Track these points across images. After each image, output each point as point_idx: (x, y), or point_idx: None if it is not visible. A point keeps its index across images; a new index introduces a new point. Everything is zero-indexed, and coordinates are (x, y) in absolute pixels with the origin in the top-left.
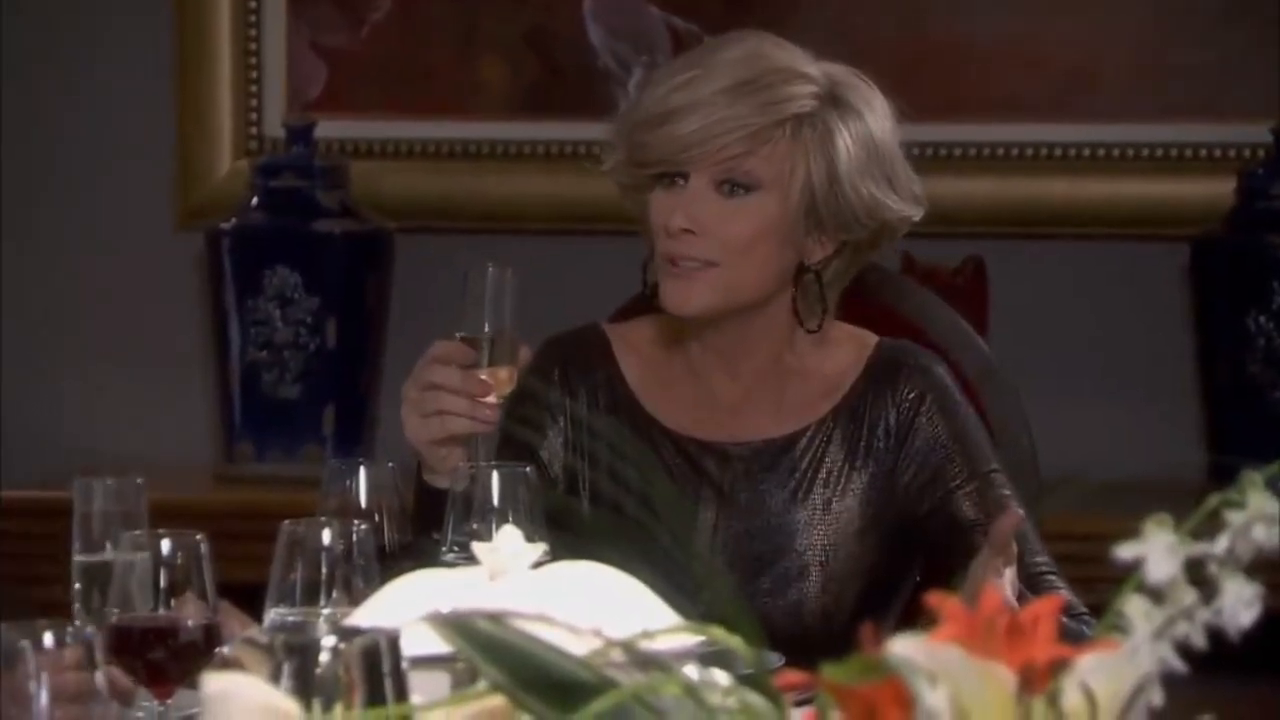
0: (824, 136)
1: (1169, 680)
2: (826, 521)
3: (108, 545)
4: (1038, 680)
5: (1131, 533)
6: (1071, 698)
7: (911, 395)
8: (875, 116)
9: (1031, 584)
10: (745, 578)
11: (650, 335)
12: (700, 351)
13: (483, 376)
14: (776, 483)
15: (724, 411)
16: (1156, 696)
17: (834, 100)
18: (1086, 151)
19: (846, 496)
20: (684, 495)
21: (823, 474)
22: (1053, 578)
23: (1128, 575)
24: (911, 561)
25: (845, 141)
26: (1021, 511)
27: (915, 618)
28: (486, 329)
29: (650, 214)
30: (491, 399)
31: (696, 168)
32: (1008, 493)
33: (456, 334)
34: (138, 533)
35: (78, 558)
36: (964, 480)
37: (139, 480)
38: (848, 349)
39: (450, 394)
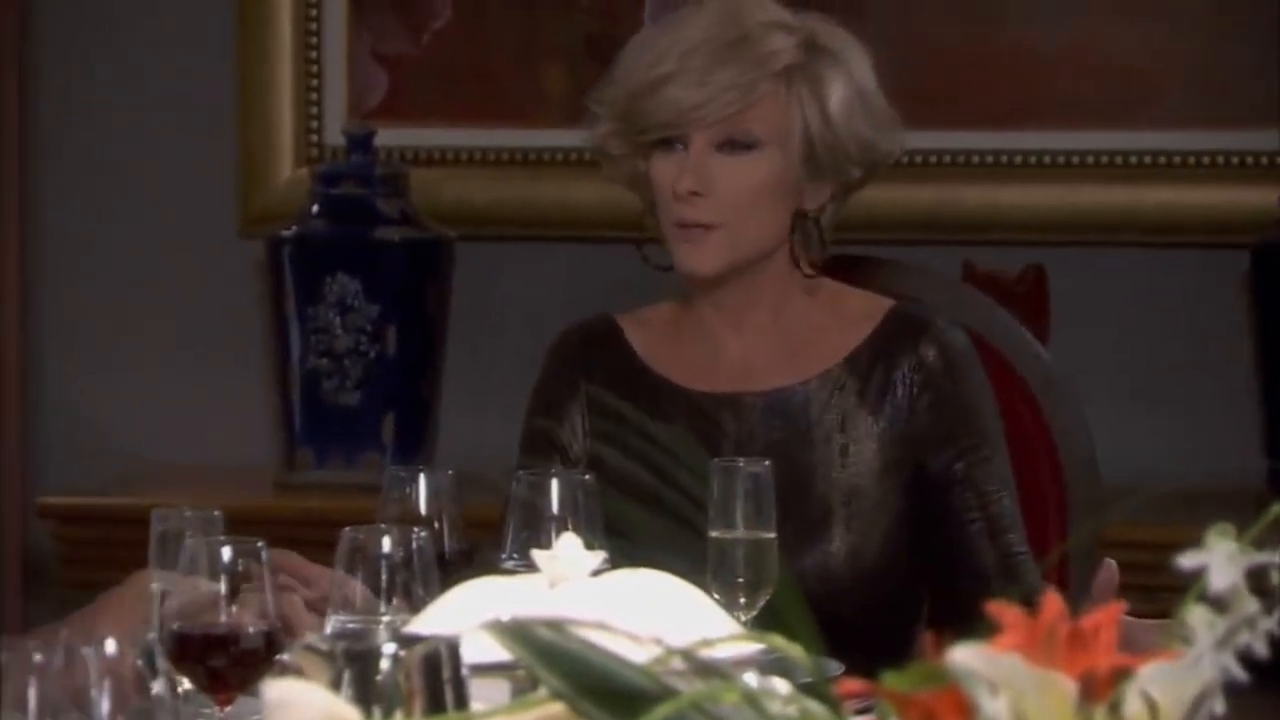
0: (815, 85)
1: (1231, 689)
2: (845, 464)
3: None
4: (1099, 689)
5: (1192, 541)
6: (1133, 706)
7: (931, 354)
8: (855, 56)
9: (1007, 568)
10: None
11: (659, 311)
12: (708, 311)
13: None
14: (791, 430)
15: (734, 366)
16: (1218, 705)
17: (817, 47)
18: (1148, 159)
19: (863, 441)
20: (701, 449)
21: (837, 419)
22: (1026, 560)
23: (1190, 584)
24: (933, 507)
25: (835, 86)
26: (1112, 562)
27: (937, 573)
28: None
29: (654, 181)
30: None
31: (696, 130)
32: (993, 488)
33: None
34: (210, 538)
35: (154, 585)
36: (969, 450)
37: (216, 512)
38: (861, 308)
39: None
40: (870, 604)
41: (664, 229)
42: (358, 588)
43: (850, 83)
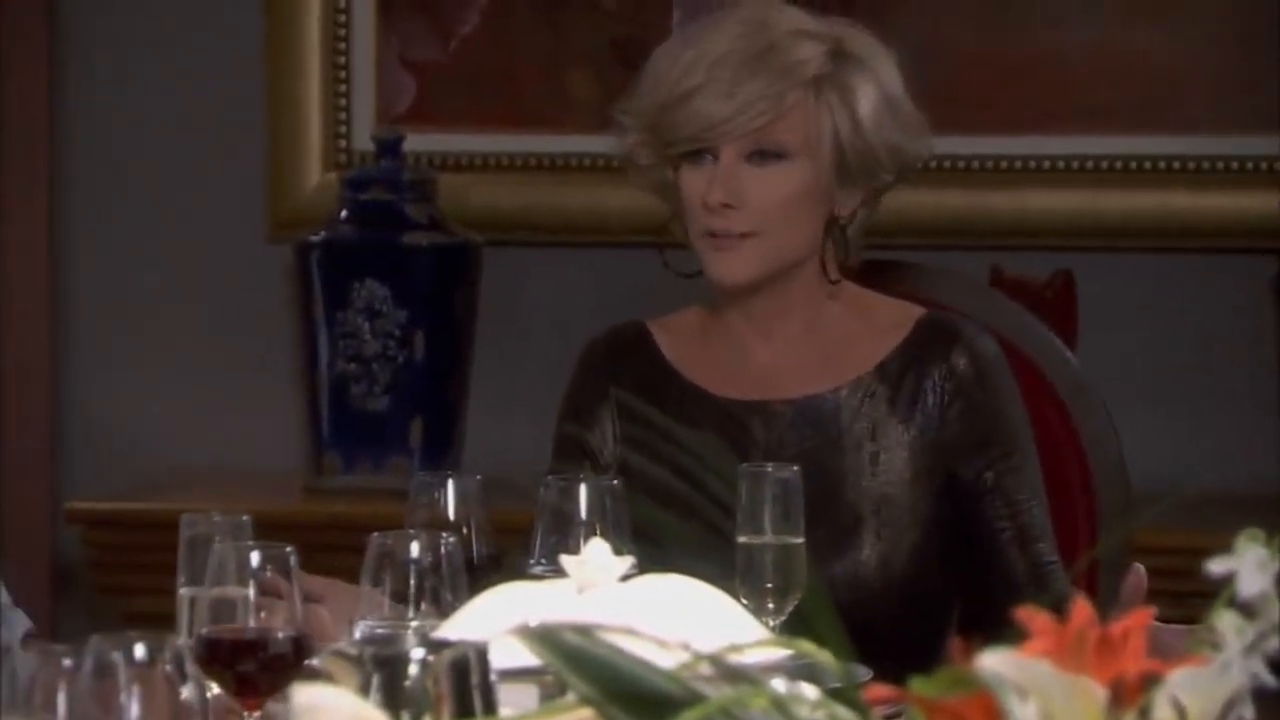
0: (844, 93)
1: (1260, 695)
2: (875, 472)
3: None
4: (1128, 695)
5: (1221, 547)
6: (1162, 712)
7: (962, 362)
8: (882, 63)
9: (1037, 578)
10: None
11: (687, 318)
12: (738, 319)
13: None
14: (822, 437)
15: (764, 373)
16: (1248, 711)
17: (845, 54)
18: (1176, 164)
19: (894, 449)
20: (730, 454)
21: (868, 427)
22: (1055, 570)
23: (1219, 589)
24: (963, 515)
25: (864, 94)
26: (1140, 567)
27: (968, 581)
28: None
29: (684, 191)
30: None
31: (725, 142)
32: (1024, 497)
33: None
34: (237, 543)
35: (182, 590)
36: (1000, 459)
37: (245, 517)
38: (891, 316)
39: None
40: (900, 612)
41: (693, 239)
42: (385, 601)
43: (879, 89)
